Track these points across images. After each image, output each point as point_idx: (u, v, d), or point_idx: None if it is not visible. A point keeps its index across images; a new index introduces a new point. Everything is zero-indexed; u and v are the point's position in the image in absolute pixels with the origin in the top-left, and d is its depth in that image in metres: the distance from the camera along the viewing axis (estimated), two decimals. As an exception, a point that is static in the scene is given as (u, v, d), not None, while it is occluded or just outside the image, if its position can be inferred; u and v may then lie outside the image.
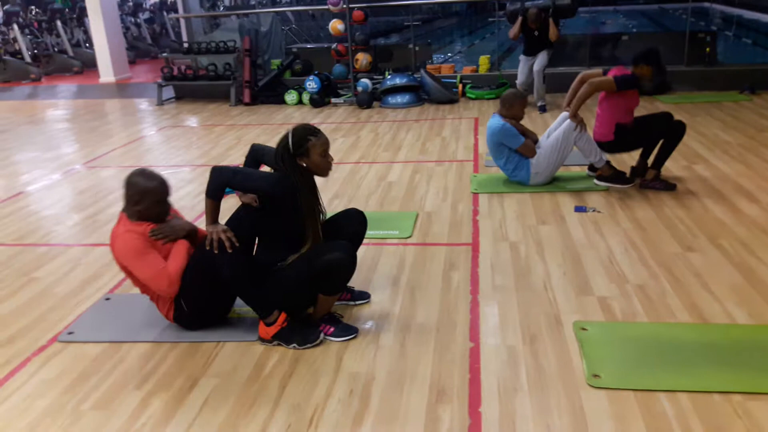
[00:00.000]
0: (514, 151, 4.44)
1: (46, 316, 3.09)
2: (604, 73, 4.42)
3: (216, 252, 2.57)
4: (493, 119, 4.52)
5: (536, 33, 7.20)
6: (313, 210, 2.74)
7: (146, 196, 2.72)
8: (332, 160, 2.76)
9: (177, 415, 2.30)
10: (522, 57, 7.48)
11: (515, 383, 2.38)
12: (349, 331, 2.75)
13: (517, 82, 7.60)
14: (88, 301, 3.22)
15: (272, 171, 2.77)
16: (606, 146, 4.48)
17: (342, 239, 2.78)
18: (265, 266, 2.72)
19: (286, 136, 2.67)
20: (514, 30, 7.31)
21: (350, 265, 2.68)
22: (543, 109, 7.33)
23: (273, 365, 2.58)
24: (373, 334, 2.77)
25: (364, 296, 3.07)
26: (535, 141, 4.55)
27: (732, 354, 2.48)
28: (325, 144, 2.70)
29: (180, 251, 2.74)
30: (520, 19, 7.23)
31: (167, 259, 2.72)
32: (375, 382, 2.43)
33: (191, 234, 2.83)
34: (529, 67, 7.38)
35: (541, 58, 7.25)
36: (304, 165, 2.68)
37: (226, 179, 2.63)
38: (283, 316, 2.69)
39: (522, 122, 4.65)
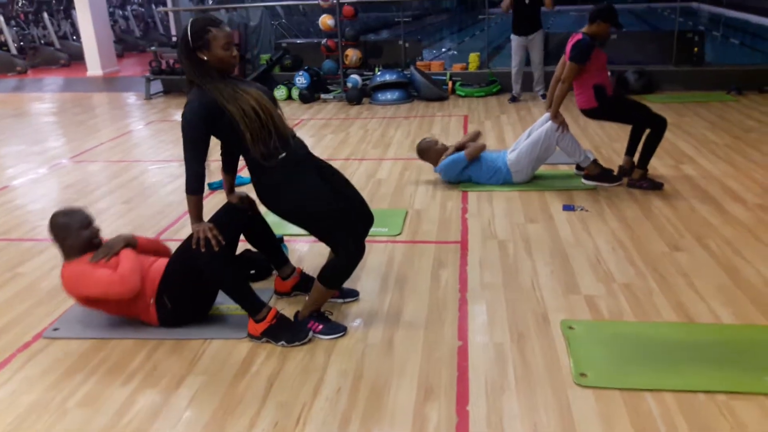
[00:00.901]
0: (469, 164, 4.53)
1: (31, 311, 3.06)
2: (564, 55, 4.42)
3: (203, 250, 2.56)
4: (435, 172, 4.69)
5: (527, 1, 7.19)
6: (235, 95, 2.52)
7: (69, 230, 2.76)
8: (235, 54, 2.60)
9: (163, 412, 2.29)
10: (514, 37, 7.46)
11: (503, 382, 2.38)
12: (337, 329, 2.75)
13: (513, 64, 7.56)
14: (74, 297, 3.20)
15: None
16: (593, 113, 4.48)
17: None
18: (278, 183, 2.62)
19: (185, 28, 2.53)
20: (506, 2, 7.30)
21: (357, 263, 2.67)
22: (545, 97, 7.39)
23: (261, 363, 2.57)
24: (361, 331, 2.77)
25: (353, 294, 3.06)
26: (477, 135, 4.70)
27: (717, 353, 2.51)
28: (228, 36, 2.55)
29: (125, 256, 2.74)
30: None
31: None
32: (363, 380, 2.43)
33: (130, 243, 2.84)
34: (524, 49, 7.39)
35: (538, 45, 7.32)
36: (205, 59, 2.54)
37: (190, 161, 2.54)
38: (272, 313, 2.68)
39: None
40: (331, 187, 2.74)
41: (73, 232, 2.76)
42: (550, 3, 7.21)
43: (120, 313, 2.83)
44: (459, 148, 4.63)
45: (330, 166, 2.91)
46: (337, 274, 2.70)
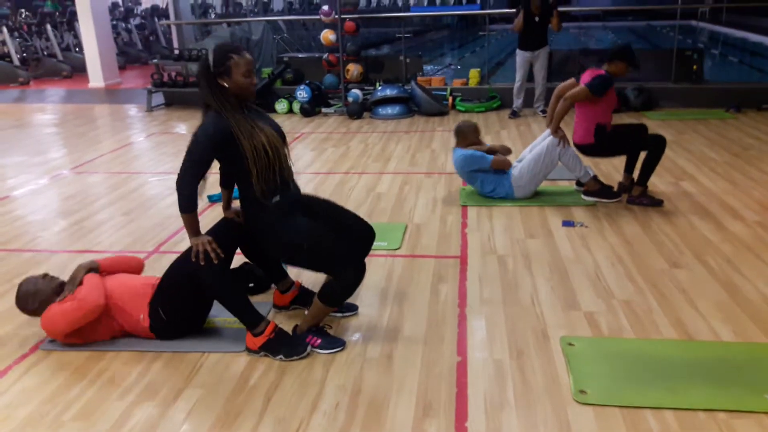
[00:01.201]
0: (489, 172, 4.49)
1: (29, 323, 3.04)
2: (577, 81, 4.46)
3: (202, 263, 2.56)
4: (455, 153, 4.63)
5: (537, 19, 7.34)
6: (251, 131, 2.55)
7: (35, 296, 2.82)
8: (255, 82, 2.64)
9: (160, 427, 2.27)
10: (519, 52, 7.58)
11: (502, 398, 2.37)
12: (336, 343, 2.74)
13: (516, 78, 7.64)
14: (73, 308, 3.18)
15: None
16: (587, 149, 4.50)
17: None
18: (272, 218, 2.65)
19: (206, 55, 2.59)
20: (518, 22, 7.43)
21: (358, 284, 2.67)
22: (545, 113, 7.47)
23: (258, 377, 2.56)
24: (360, 346, 2.76)
25: (352, 308, 3.06)
26: (508, 152, 4.62)
27: (717, 372, 2.50)
28: (249, 63, 2.58)
29: (85, 281, 2.78)
30: (521, 12, 7.35)
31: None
32: (361, 395, 2.42)
33: (92, 269, 2.88)
34: (528, 64, 7.49)
35: (542, 62, 7.43)
36: (226, 85, 2.57)
37: (183, 185, 2.57)
38: (270, 327, 2.68)
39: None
40: (323, 222, 2.76)
41: (32, 293, 2.82)
42: (557, 26, 7.36)
43: (114, 334, 2.83)
44: (489, 150, 4.61)
45: (317, 199, 2.94)
46: (337, 295, 2.71)
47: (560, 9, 7.52)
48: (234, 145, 2.55)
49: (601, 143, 4.46)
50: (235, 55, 2.55)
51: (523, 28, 7.46)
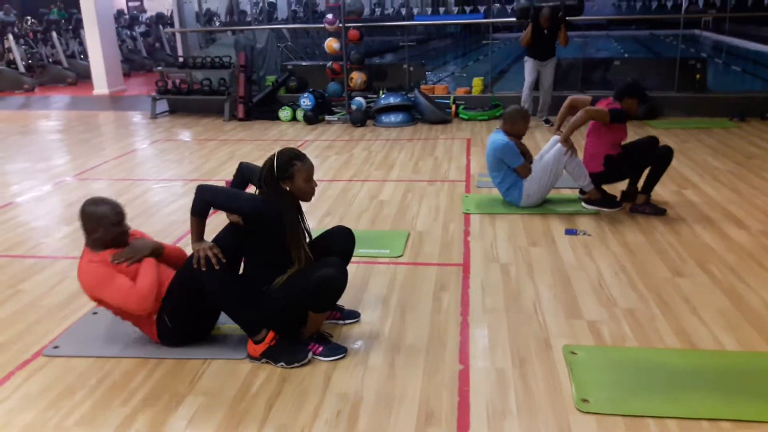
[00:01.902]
0: (512, 170, 4.47)
1: (32, 329, 3.05)
2: (593, 102, 4.47)
3: (203, 269, 2.56)
4: (496, 134, 4.54)
5: (546, 32, 7.37)
6: (298, 234, 2.73)
7: (101, 223, 2.71)
8: (316, 185, 2.77)
9: (162, 433, 2.27)
10: (528, 59, 7.62)
11: (504, 406, 2.37)
12: (337, 350, 2.73)
13: (525, 84, 7.67)
14: (75, 315, 3.19)
15: (258, 193, 2.78)
16: (595, 178, 4.51)
17: (331, 256, 2.77)
18: (253, 287, 2.71)
19: (271, 159, 2.67)
20: (526, 36, 7.47)
21: (341, 281, 2.67)
22: (548, 122, 7.54)
23: (260, 384, 2.55)
24: (362, 354, 2.76)
25: (354, 315, 3.05)
26: (531, 162, 4.58)
27: (721, 381, 2.48)
28: (310, 169, 2.71)
29: (147, 269, 2.72)
30: (530, 25, 7.38)
31: (135, 278, 2.70)
32: (363, 403, 2.41)
33: (156, 251, 2.81)
34: (536, 71, 7.53)
35: (549, 72, 7.48)
36: (288, 189, 2.69)
37: (210, 198, 2.64)
38: (271, 334, 2.67)
39: (526, 142, 4.68)
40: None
41: (105, 227, 2.71)
42: (564, 40, 7.42)
43: (124, 318, 2.81)
44: (523, 152, 4.54)
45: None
46: (325, 301, 2.70)
47: (569, 19, 7.56)
48: (271, 228, 2.67)
49: (610, 172, 4.49)
50: (298, 162, 2.67)
51: (531, 42, 7.49)
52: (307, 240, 2.82)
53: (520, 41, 7.65)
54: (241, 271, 2.85)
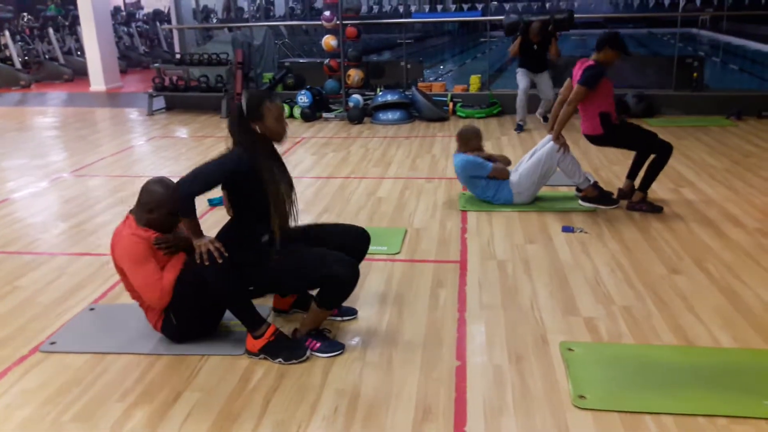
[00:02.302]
0: (488, 178, 4.50)
1: (29, 325, 3.05)
2: (570, 77, 4.46)
3: (206, 264, 2.56)
4: (456, 158, 4.65)
5: (536, 47, 7.26)
6: (275, 180, 2.70)
7: (161, 207, 2.70)
8: (287, 125, 2.76)
9: (159, 429, 2.27)
10: (519, 69, 7.45)
11: (501, 403, 2.37)
12: (335, 347, 2.74)
13: (520, 89, 7.49)
14: (72, 311, 3.19)
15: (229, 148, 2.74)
16: (598, 140, 4.49)
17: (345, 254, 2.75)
18: (249, 240, 2.71)
19: (240, 100, 2.68)
20: (514, 48, 7.37)
21: (353, 281, 2.67)
22: (546, 119, 7.48)
23: (258, 380, 2.56)
24: (359, 350, 2.76)
25: (351, 312, 3.06)
26: (508, 162, 4.65)
27: (717, 377, 2.50)
28: (280, 108, 2.71)
29: (177, 264, 2.72)
30: (519, 38, 7.29)
31: (164, 269, 2.70)
32: (361, 398, 2.42)
33: (191, 247, 2.77)
34: (529, 78, 7.38)
35: (547, 82, 7.31)
36: (258, 130, 2.68)
37: (188, 191, 2.59)
38: (271, 329, 2.68)
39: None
40: (312, 238, 2.87)
41: (161, 213, 2.71)
42: (555, 53, 7.26)
43: (134, 298, 2.81)
44: (489, 158, 4.62)
45: (308, 226, 3.02)
46: (334, 298, 2.71)
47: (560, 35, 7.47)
48: (254, 180, 2.66)
49: (611, 132, 4.43)
50: (268, 101, 2.68)
51: (521, 54, 7.35)
52: (291, 190, 2.82)
53: (509, 51, 7.53)
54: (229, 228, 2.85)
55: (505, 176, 4.51)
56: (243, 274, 2.65)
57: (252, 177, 2.67)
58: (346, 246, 2.84)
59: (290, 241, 2.81)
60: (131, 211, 2.77)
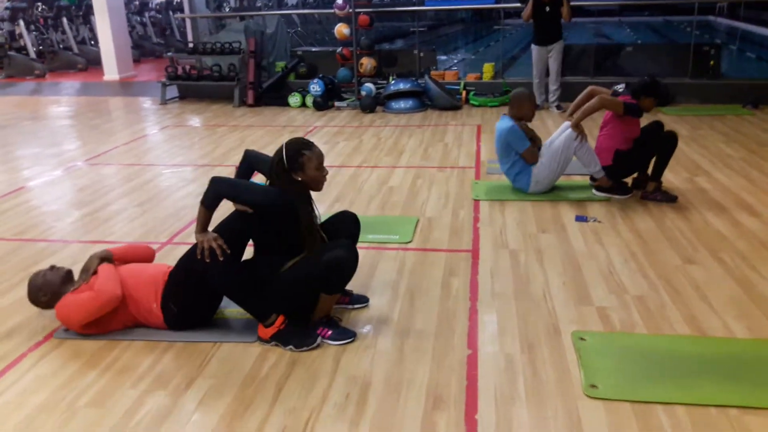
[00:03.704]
0: (520, 156, 4.44)
1: (43, 311, 3.07)
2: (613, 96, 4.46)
3: (207, 261, 2.57)
4: (502, 121, 4.53)
5: (548, 8, 7.30)
6: (311, 224, 2.75)
7: (39, 285, 2.87)
8: (327, 173, 2.77)
9: (172, 415, 2.29)
10: (534, 47, 7.58)
11: (512, 392, 2.37)
12: (346, 334, 2.74)
13: (534, 73, 7.62)
14: (86, 298, 3.21)
15: (267, 182, 2.78)
16: (606, 169, 4.48)
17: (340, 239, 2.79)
18: (263, 273, 2.72)
19: (280, 151, 2.67)
20: (527, 11, 7.43)
21: (352, 261, 2.69)
22: (560, 108, 7.47)
23: (270, 367, 2.57)
24: (370, 338, 2.77)
25: (363, 300, 3.06)
26: (540, 148, 4.55)
27: (730, 368, 2.47)
28: (320, 157, 2.71)
29: (100, 270, 2.81)
30: (531, 1, 7.32)
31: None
32: (372, 386, 2.43)
33: (105, 258, 2.90)
34: (544, 60, 7.45)
35: (557, 56, 7.37)
36: (299, 179, 2.69)
37: (224, 191, 2.65)
38: (281, 317, 2.69)
39: (532, 125, 4.65)
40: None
41: (39, 286, 2.86)
42: (567, 15, 7.33)
43: (126, 324, 2.85)
44: (532, 137, 4.53)
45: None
46: (337, 281, 2.72)
47: (573, 3, 7.47)
48: (282, 218, 2.68)
49: (618, 167, 4.46)
50: (307, 152, 2.68)
51: (534, 20, 7.43)
52: (318, 225, 2.84)
53: (522, 16, 7.61)
54: (251, 257, 2.86)
55: (534, 160, 4.45)
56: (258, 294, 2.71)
57: (286, 215, 2.68)
58: (339, 232, 2.89)
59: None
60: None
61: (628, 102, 4.34)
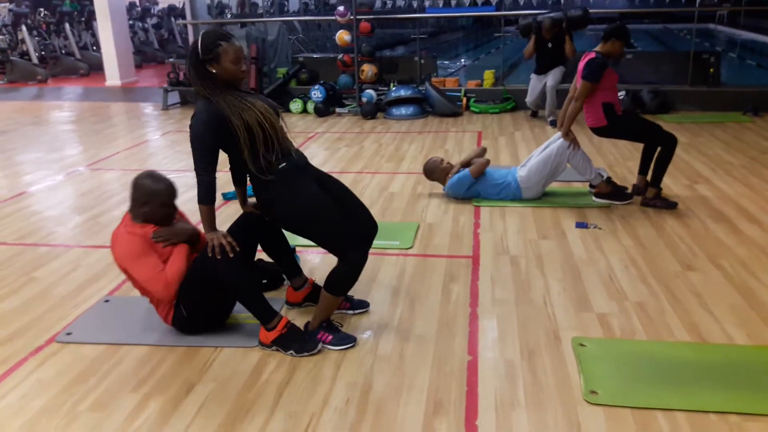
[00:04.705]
0: (476, 180, 4.53)
1: (45, 316, 3.09)
2: (576, 74, 4.46)
3: (218, 258, 2.57)
4: (444, 190, 4.72)
5: (550, 45, 7.24)
6: (247, 104, 2.56)
7: (153, 199, 2.72)
8: (245, 69, 2.64)
9: (173, 419, 2.30)
10: (533, 76, 7.50)
11: (512, 397, 2.37)
12: (347, 340, 2.75)
13: (527, 100, 7.63)
14: (88, 302, 3.23)
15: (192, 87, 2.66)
16: (602, 131, 4.48)
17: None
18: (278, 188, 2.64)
19: (195, 40, 2.57)
20: (529, 48, 7.39)
21: (361, 269, 2.67)
22: (554, 124, 7.46)
23: (270, 372, 2.58)
24: (371, 343, 2.77)
25: (363, 305, 3.07)
26: (483, 152, 4.70)
27: (730, 374, 2.48)
28: (238, 51, 2.58)
29: (179, 255, 2.73)
30: (533, 36, 7.28)
31: (166, 261, 2.72)
32: (372, 392, 2.43)
33: (193, 238, 2.82)
34: (540, 86, 7.39)
35: (554, 75, 7.28)
36: (214, 71, 2.58)
37: (202, 171, 2.58)
38: (283, 321, 2.69)
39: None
40: (331, 196, 2.75)
41: (154, 205, 2.72)
42: (571, 51, 7.17)
43: (143, 294, 2.83)
44: (465, 164, 4.66)
45: (330, 177, 2.92)
46: (341, 282, 2.70)
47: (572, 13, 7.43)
48: (230, 126, 2.56)
49: (614, 123, 4.41)
50: (224, 42, 2.55)
51: (536, 54, 7.37)
52: (278, 114, 2.70)
53: (524, 53, 7.54)
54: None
55: (484, 166, 4.53)
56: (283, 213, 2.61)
57: (227, 121, 2.54)
58: (359, 223, 2.82)
59: (312, 170, 2.77)
60: (128, 210, 2.79)
61: (589, 69, 4.28)
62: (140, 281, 2.71)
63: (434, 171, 4.76)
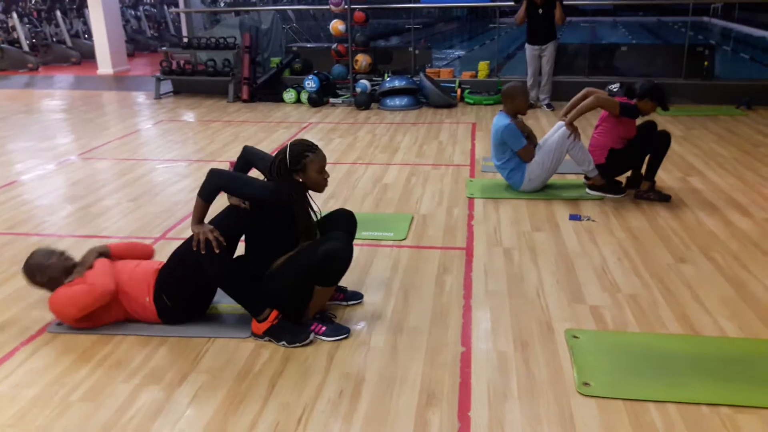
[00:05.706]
0: (516, 153, 4.45)
1: (37, 305, 3.07)
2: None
3: (203, 252, 2.57)
4: (498, 117, 4.51)
5: (540, 11, 7.35)
6: (308, 222, 2.76)
7: (39, 265, 2.86)
8: (328, 176, 2.77)
9: (165, 409, 2.29)
10: (528, 46, 7.68)
11: (505, 389, 2.38)
12: (340, 331, 2.75)
13: (528, 74, 7.70)
14: (80, 292, 3.20)
15: (265, 179, 2.79)
16: (600, 167, 4.49)
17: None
18: (256, 270, 2.72)
19: (284, 150, 2.68)
20: (520, 14, 7.51)
21: (348, 252, 2.69)
22: (550, 107, 7.51)
23: (263, 363, 2.57)
24: (364, 335, 2.77)
25: (357, 297, 3.07)
26: (535, 145, 4.56)
27: (721, 367, 2.49)
28: (323, 161, 2.71)
29: (97, 267, 2.80)
30: (525, 3, 7.38)
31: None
32: (365, 383, 2.43)
33: (102, 253, 2.91)
34: (538, 59, 7.53)
35: (550, 54, 7.46)
36: (300, 180, 2.69)
37: (224, 184, 2.64)
38: (274, 313, 2.69)
39: (526, 121, 4.65)
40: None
41: (44, 266, 2.85)
42: (561, 18, 7.38)
43: (119, 317, 2.85)
44: (528, 134, 4.52)
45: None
46: (332, 273, 2.71)
47: (567, 2, 7.49)
48: (279, 215, 2.69)
49: (611, 165, 4.48)
50: (311, 153, 2.67)
51: (527, 21, 7.49)
52: (315, 221, 2.84)
53: (515, 19, 7.68)
54: (242, 254, 2.85)
55: (529, 159, 4.46)
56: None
57: (284, 212, 2.69)
58: (335, 229, 2.87)
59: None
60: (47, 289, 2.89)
61: (625, 103, 4.36)
62: (79, 309, 2.71)
63: (515, 96, 4.41)
